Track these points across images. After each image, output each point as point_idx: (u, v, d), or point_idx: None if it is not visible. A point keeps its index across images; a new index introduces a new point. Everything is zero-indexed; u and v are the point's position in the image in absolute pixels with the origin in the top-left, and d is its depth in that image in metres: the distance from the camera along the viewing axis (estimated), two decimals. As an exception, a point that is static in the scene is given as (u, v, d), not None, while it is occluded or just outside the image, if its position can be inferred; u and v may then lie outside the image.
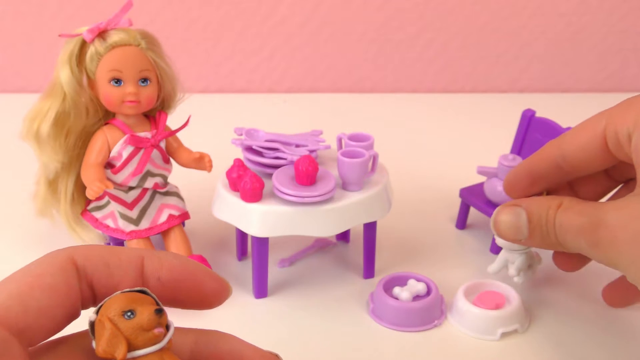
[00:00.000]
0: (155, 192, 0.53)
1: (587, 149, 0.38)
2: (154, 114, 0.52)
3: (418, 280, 0.50)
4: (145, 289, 0.24)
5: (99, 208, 0.52)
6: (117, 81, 0.48)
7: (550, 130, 0.57)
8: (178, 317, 0.25)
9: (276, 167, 0.51)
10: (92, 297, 0.25)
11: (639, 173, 0.35)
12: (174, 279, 0.25)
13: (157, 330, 0.23)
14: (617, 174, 0.43)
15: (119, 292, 0.24)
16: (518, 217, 0.40)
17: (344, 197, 0.49)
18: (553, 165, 0.41)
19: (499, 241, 0.48)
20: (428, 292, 0.49)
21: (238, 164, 0.50)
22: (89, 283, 0.24)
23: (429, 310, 0.48)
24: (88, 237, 0.53)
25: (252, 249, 0.50)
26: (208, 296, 0.26)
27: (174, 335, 0.24)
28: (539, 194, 0.44)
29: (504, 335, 0.47)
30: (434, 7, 0.94)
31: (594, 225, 0.34)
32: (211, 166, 0.53)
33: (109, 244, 0.55)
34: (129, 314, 0.23)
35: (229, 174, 0.50)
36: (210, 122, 0.77)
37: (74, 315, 0.24)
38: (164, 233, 0.53)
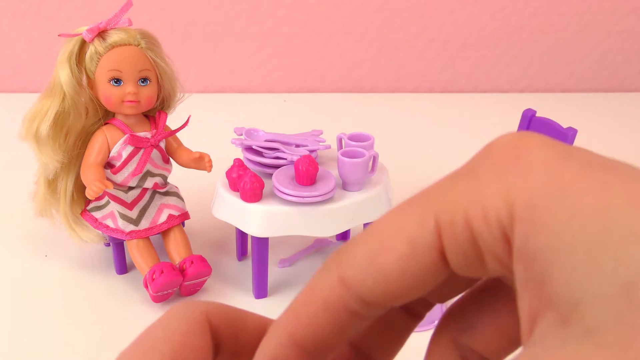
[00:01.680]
0: (155, 192, 0.53)
1: (409, 270, 0.19)
2: (153, 114, 0.52)
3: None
4: None
5: (99, 208, 0.52)
6: (117, 81, 0.48)
7: (551, 130, 0.57)
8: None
9: (276, 167, 0.51)
10: (214, 358, 0.24)
11: (562, 302, 0.17)
12: None
13: None
14: (419, 306, 0.24)
15: None
16: None
17: (344, 197, 0.49)
18: (343, 316, 0.21)
19: None
20: (428, 292, 0.49)
21: (238, 164, 0.50)
22: (216, 344, 0.23)
23: (429, 311, 0.48)
24: (87, 237, 0.53)
25: (252, 249, 0.50)
26: None
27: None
28: None
29: (505, 335, 0.47)
30: (434, 7, 0.94)
31: None
32: (211, 166, 0.53)
33: (108, 244, 0.55)
34: None
35: (229, 174, 0.49)
36: (210, 122, 0.77)
37: None
38: (164, 233, 0.53)
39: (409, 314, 0.24)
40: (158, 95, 0.51)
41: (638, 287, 0.16)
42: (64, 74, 0.47)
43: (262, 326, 0.24)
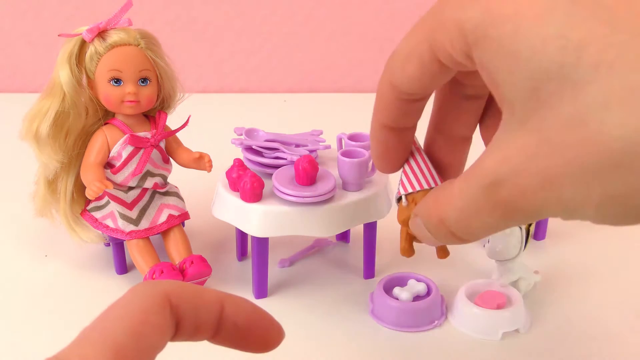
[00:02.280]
0: (154, 192, 0.53)
1: (425, 74, 0.31)
2: (153, 114, 0.52)
3: (418, 280, 0.50)
4: None
5: (99, 208, 0.52)
6: (117, 81, 0.48)
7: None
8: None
9: (276, 167, 0.51)
10: (175, 334, 0.25)
11: (505, 104, 0.26)
12: (247, 325, 0.26)
13: None
14: (473, 90, 0.35)
15: None
16: (422, 229, 0.33)
17: (344, 197, 0.49)
18: (400, 104, 0.34)
19: (488, 253, 0.49)
20: (428, 293, 0.49)
21: (238, 164, 0.49)
22: (177, 322, 0.24)
23: (429, 311, 0.48)
24: (87, 237, 0.53)
25: (252, 249, 0.50)
26: (268, 342, 0.27)
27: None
28: (408, 145, 0.37)
29: (505, 335, 0.47)
30: (434, 7, 0.94)
31: (490, 194, 0.27)
32: (211, 166, 0.53)
33: (108, 244, 0.55)
34: None
35: (229, 174, 0.49)
36: (210, 122, 0.77)
37: (161, 350, 0.24)
38: (164, 233, 0.53)
39: (470, 98, 0.35)
40: (158, 95, 0.51)
41: (541, 89, 0.24)
42: (64, 74, 0.47)
43: (219, 301, 0.25)
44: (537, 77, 0.24)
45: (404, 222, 0.38)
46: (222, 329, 0.25)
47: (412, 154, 0.37)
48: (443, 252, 0.40)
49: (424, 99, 0.34)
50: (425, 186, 0.35)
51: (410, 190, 0.38)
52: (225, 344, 0.26)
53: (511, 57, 0.25)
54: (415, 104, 0.33)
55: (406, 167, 0.37)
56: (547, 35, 0.23)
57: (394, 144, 0.36)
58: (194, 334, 0.25)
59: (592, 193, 0.23)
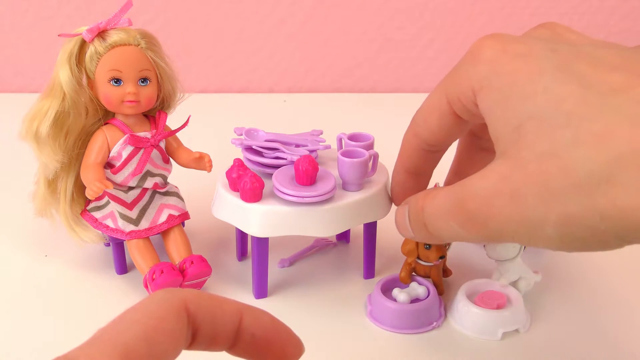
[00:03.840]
0: (155, 192, 0.53)
1: (442, 126, 0.38)
2: (153, 114, 0.52)
3: (420, 283, 0.50)
4: None
5: (99, 208, 0.52)
6: (117, 81, 0.48)
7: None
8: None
9: (276, 167, 0.51)
10: (191, 343, 0.25)
11: (493, 138, 0.33)
12: (265, 337, 0.26)
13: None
14: (488, 143, 0.41)
15: None
16: (404, 215, 0.39)
17: (344, 197, 0.49)
18: (421, 153, 0.41)
19: (488, 253, 0.49)
20: (427, 294, 0.49)
21: (238, 164, 0.49)
22: (194, 330, 0.24)
23: (427, 313, 0.48)
24: (87, 237, 0.52)
25: (252, 249, 0.50)
26: (287, 356, 0.27)
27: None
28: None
29: (505, 335, 0.47)
30: (434, 7, 0.94)
31: (461, 203, 0.33)
32: (211, 166, 0.53)
33: (108, 244, 0.55)
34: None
35: (229, 174, 0.49)
36: (210, 122, 0.77)
37: (175, 358, 0.24)
38: (164, 233, 0.53)
39: (484, 150, 0.44)
40: (158, 95, 0.51)
41: (523, 125, 0.30)
42: (64, 74, 0.47)
43: (237, 311, 0.25)
44: (523, 116, 0.30)
45: (407, 253, 0.49)
46: (240, 341, 0.25)
47: None
48: (441, 289, 0.50)
49: (441, 151, 0.42)
50: None
51: None
52: (243, 356, 0.26)
53: (505, 102, 0.32)
54: (433, 154, 0.42)
55: None
56: (536, 89, 0.30)
57: (411, 186, 0.44)
58: (211, 344, 0.25)
59: (551, 211, 0.29)
